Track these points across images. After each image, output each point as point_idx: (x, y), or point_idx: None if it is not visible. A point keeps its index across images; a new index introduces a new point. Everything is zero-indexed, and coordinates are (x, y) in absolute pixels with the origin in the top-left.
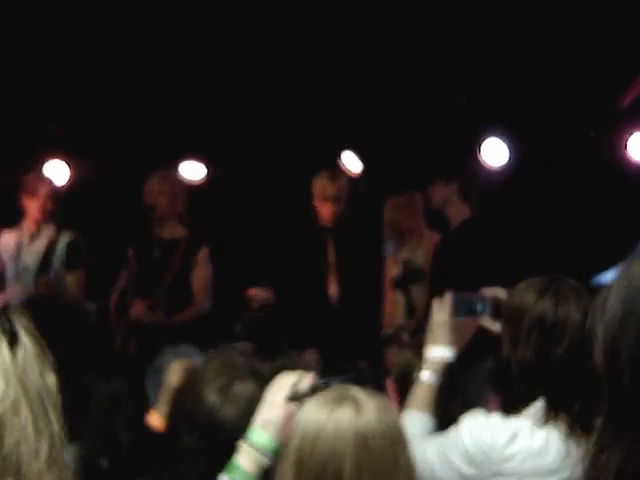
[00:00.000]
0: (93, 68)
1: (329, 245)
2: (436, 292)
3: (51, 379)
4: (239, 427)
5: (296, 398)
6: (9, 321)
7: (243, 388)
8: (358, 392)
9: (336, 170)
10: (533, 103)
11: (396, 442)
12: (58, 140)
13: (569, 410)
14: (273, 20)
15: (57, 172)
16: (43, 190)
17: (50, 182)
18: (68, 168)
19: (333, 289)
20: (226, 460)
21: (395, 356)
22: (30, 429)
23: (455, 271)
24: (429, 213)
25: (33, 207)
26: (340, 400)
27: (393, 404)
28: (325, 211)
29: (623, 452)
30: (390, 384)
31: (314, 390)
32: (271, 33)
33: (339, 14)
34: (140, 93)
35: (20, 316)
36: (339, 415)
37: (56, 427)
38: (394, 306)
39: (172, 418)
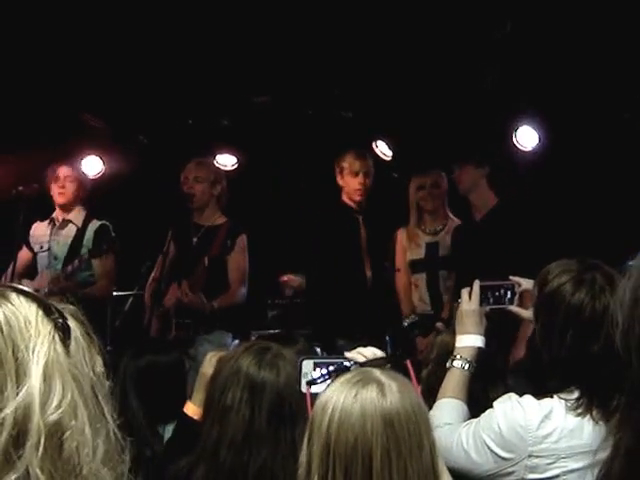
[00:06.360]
0: (127, 60)
1: (361, 228)
2: (459, 279)
3: (99, 366)
4: (277, 386)
5: (312, 383)
6: (61, 316)
7: (278, 351)
8: (379, 374)
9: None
10: (566, 85)
11: (421, 422)
12: (96, 132)
13: (605, 406)
14: (302, 8)
15: (91, 164)
16: (62, 174)
17: (73, 169)
18: (102, 160)
19: (368, 271)
20: (268, 414)
21: (423, 343)
22: (87, 430)
23: (481, 260)
24: (454, 198)
25: (55, 192)
26: (363, 383)
27: (413, 385)
28: (353, 186)
29: (631, 433)
30: (410, 365)
31: (335, 373)
32: (301, 20)
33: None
34: (174, 84)
35: (66, 303)
36: (364, 398)
37: (111, 422)
38: (411, 290)
39: (211, 385)
